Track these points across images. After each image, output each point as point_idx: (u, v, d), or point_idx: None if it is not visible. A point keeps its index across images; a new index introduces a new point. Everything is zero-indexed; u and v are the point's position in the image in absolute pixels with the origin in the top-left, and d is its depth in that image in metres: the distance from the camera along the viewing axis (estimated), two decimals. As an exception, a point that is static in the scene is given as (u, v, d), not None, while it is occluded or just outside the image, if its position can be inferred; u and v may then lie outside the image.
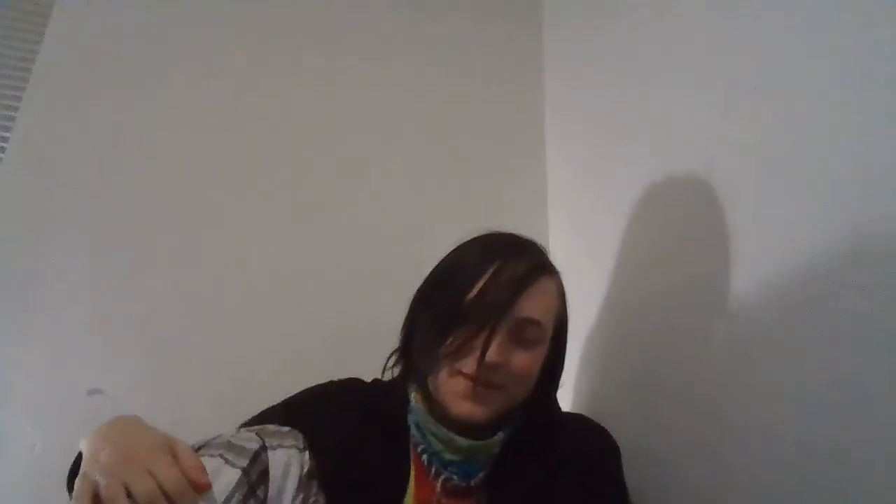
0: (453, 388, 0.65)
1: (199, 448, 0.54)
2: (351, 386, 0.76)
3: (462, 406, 0.64)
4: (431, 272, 0.72)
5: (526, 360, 0.66)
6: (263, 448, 0.56)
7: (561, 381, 0.75)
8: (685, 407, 0.77)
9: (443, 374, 0.66)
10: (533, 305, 0.66)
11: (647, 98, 0.95)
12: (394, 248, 1.13)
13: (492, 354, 0.62)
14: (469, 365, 0.63)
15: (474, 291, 0.64)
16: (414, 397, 0.69)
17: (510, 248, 0.69)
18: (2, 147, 1.01)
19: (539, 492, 0.65)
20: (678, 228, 0.84)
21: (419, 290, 0.72)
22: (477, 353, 0.62)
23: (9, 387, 0.90)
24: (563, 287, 0.73)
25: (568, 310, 0.74)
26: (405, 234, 1.16)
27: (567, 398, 1.07)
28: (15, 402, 0.90)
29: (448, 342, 0.64)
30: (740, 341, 0.69)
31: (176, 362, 0.98)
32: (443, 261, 0.72)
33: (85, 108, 1.06)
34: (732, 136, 0.74)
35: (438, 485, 0.65)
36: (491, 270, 0.65)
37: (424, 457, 0.67)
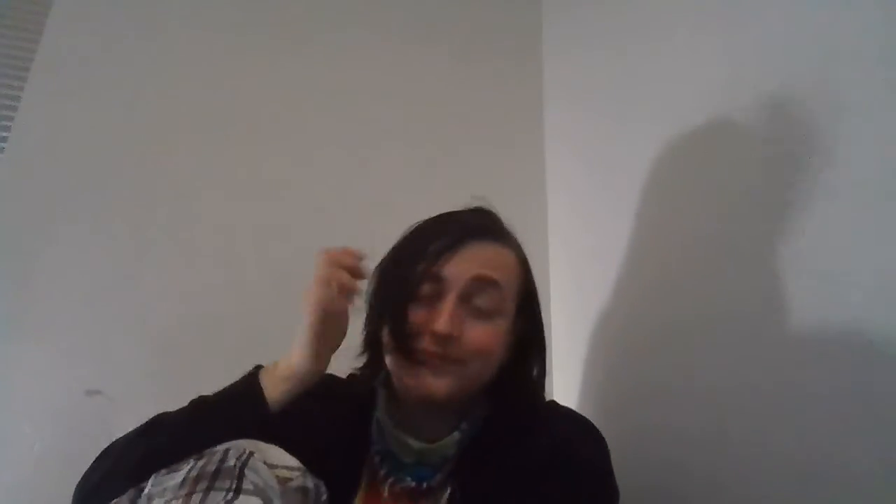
0: (411, 366, 0.61)
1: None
2: (323, 383, 0.67)
3: (421, 383, 0.60)
4: (377, 267, 0.68)
5: (483, 332, 0.61)
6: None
7: (546, 369, 0.69)
8: (688, 404, 0.77)
9: (399, 357, 0.62)
10: (483, 262, 0.61)
11: (648, 80, 0.94)
12: (392, 234, 1.12)
13: (442, 324, 0.58)
14: (423, 340, 0.60)
15: (420, 266, 0.61)
16: (381, 395, 0.67)
17: (459, 217, 0.67)
18: (1, 147, 1.01)
19: (500, 494, 0.59)
20: (681, 218, 0.84)
21: (370, 286, 0.67)
22: (429, 327, 0.59)
23: (8, 387, 0.90)
24: (523, 257, 0.68)
25: (535, 290, 0.68)
26: (403, 219, 1.15)
27: (570, 395, 1.07)
28: (14, 402, 0.89)
29: (399, 323, 0.60)
30: (744, 335, 0.69)
31: (176, 362, 0.97)
32: (390, 251, 0.69)
33: (83, 106, 1.05)
34: (735, 119, 0.74)
35: (386, 489, 0.62)
36: (437, 242, 0.61)
37: (377, 458, 0.64)
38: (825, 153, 0.61)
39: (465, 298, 0.61)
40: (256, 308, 1.04)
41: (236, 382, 0.60)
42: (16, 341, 0.92)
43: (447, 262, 0.61)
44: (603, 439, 0.64)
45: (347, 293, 0.57)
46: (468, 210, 0.70)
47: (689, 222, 0.81)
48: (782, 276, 0.64)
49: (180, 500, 0.44)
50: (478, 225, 0.65)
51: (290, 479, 0.50)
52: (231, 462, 0.47)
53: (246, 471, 0.46)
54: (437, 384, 0.60)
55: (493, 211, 0.71)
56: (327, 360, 0.60)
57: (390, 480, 0.62)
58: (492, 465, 0.61)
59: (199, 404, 0.59)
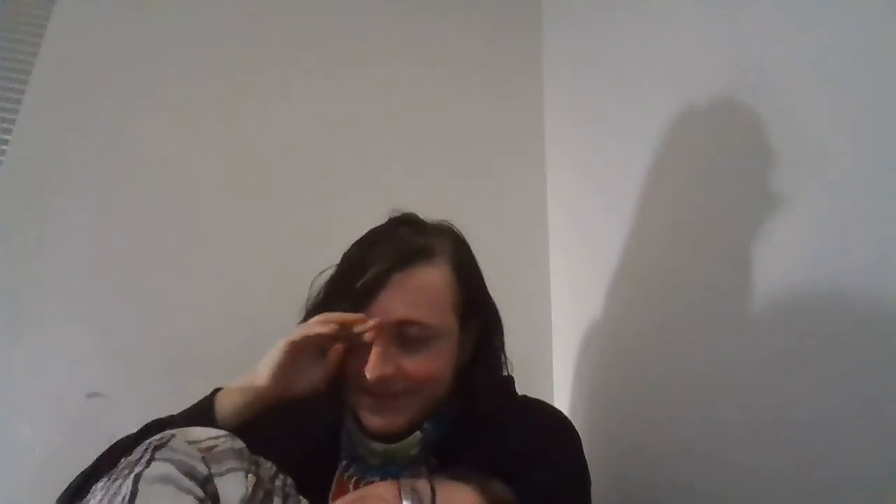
0: (360, 403, 0.62)
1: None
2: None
3: (372, 420, 0.61)
4: (306, 308, 0.69)
5: (420, 362, 0.60)
6: (210, 479, 0.51)
7: (506, 366, 0.69)
8: (685, 408, 0.77)
9: (348, 390, 0.63)
10: (406, 300, 0.60)
11: (647, 93, 0.95)
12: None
13: (373, 369, 0.57)
14: (362, 381, 0.59)
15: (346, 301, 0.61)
16: (347, 405, 0.67)
17: (383, 243, 0.64)
18: (2, 150, 1.01)
19: None
20: (679, 227, 0.84)
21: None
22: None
23: (9, 387, 0.90)
24: (455, 252, 0.66)
25: (479, 286, 0.67)
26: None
27: (564, 398, 1.07)
28: (15, 405, 0.90)
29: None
30: (742, 342, 0.69)
31: (176, 363, 0.98)
32: (321, 290, 0.68)
33: (84, 110, 1.06)
34: (735, 128, 0.74)
35: (351, 487, 0.62)
36: (361, 279, 0.60)
37: (343, 463, 0.65)
38: (825, 152, 0.61)
39: (394, 335, 0.60)
40: (259, 309, 1.04)
41: (195, 403, 0.63)
42: (17, 344, 0.92)
43: (371, 304, 0.60)
44: (575, 431, 0.65)
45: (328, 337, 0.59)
46: (390, 226, 0.69)
47: (689, 225, 0.82)
48: (782, 277, 0.65)
49: (106, 489, 0.45)
50: (401, 257, 0.61)
51: (216, 446, 0.51)
52: (152, 445, 0.49)
53: (161, 450, 0.48)
54: (393, 420, 0.61)
55: (413, 217, 0.69)
56: (286, 388, 0.61)
57: (354, 479, 0.63)
58: (465, 462, 0.60)
59: (152, 424, 0.60)
